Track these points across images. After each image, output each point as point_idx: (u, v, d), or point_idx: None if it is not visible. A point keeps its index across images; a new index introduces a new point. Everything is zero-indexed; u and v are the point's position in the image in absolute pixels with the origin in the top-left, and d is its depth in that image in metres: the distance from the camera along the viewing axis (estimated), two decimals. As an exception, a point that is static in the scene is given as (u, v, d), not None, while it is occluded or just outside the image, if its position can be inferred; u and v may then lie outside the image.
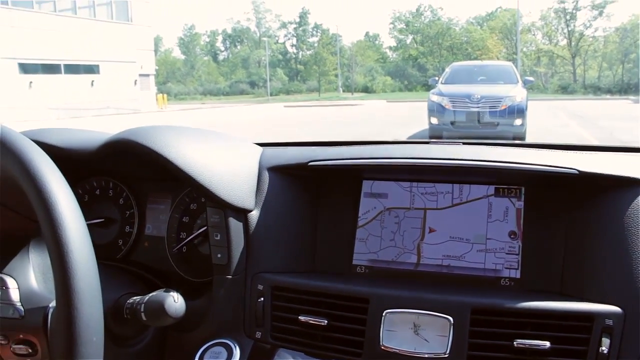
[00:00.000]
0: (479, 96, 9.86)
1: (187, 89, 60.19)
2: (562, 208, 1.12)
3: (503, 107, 9.69)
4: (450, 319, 1.01)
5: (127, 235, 1.41)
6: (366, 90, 54.82)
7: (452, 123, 9.98)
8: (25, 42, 24.48)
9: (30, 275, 0.99)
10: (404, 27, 64.56)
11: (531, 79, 13.26)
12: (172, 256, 1.34)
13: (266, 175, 1.25)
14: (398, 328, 1.03)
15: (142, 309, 0.95)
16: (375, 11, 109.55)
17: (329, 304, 1.10)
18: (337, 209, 1.26)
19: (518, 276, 1.11)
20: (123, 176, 1.44)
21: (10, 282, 0.96)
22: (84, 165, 1.39)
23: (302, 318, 1.10)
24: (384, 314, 1.04)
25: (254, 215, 1.20)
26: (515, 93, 10.05)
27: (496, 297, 1.02)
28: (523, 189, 1.15)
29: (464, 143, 1.31)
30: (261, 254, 1.19)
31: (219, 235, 1.17)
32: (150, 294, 0.96)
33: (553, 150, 1.19)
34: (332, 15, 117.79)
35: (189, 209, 1.36)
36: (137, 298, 0.99)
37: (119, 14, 30.30)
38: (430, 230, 1.17)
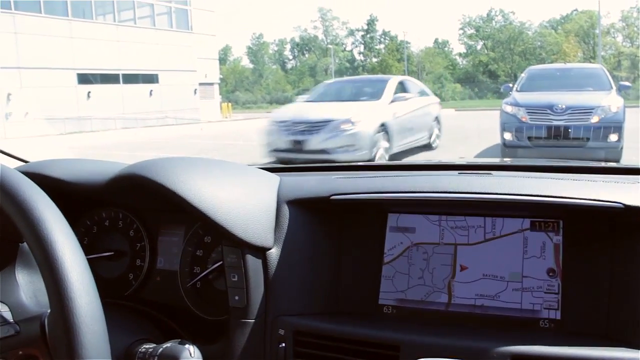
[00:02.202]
0: (563, 106, 8.00)
1: (255, 98, 60.85)
2: (606, 242, 1.06)
3: (595, 120, 7.88)
4: None
5: (138, 269, 1.35)
6: (435, 98, 53.17)
7: (530, 139, 8.19)
8: (84, 52, 24.61)
9: (21, 296, 0.96)
10: (474, 32, 63.82)
11: (628, 84, 10.37)
12: (185, 292, 1.29)
13: (285, 210, 1.20)
14: None
15: None
16: (445, 17, 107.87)
17: (357, 351, 1.05)
18: (361, 244, 1.21)
19: (558, 317, 1.05)
20: (133, 207, 1.39)
21: (1, 306, 0.92)
22: (93, 197, 1.36)
23: None
24: None
25: (274, 253, 1.16)
26: (610, 102, 8.06)
27: (537, 343, 0.96)
28: (561, 222, 1.09)
29: (494, 169, 1.29)
30: (282, 295, 1.14)
31: (236, 276, 1.13)
32: (165, 345, 0.93)
33: (594, 176, 1.18)
34: (400, 22, 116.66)
35: (202, 241, 1.30)
36: (150, 348, 0.96)
37: (180, 23, 30.37)
38: (462, 268, 1.12)
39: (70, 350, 0.71)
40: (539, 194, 1.07)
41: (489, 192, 1.10)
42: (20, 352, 0.88)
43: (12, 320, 0.91)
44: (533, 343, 0.96)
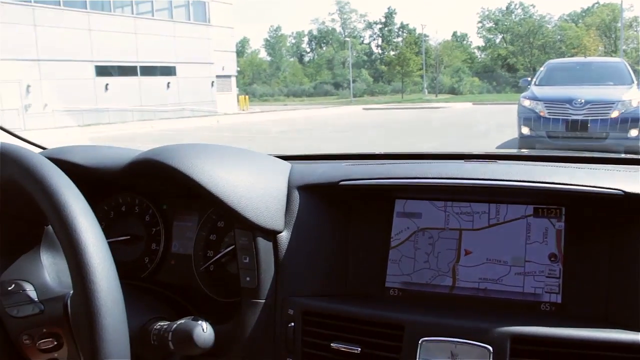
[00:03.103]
0: (582, 101, 7.90)
1: (272, 90, 60.99)
2: (606, 229, 1.08)
3: (615, 115, 7.73)
4: (490, 348, 0.97)
5: (154, 253, 1.39)
6: (453, 91, 53.06)
7: (548, 134, 8.09)
8: (102, 44, 24.69)
9: (45, 277, 0.99)
10: (493, 25, 63.31)
11: None
12: (199, 275, 1.32)
13: (296, 195, 1.23)
14: (435, 357, 1.01)
15: (169, 337, 0.96)
16: (464, 10, 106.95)
17: (363, 330, 1.07)
18: (369, 229, 1.24)
19: (559, 301, 1.08)
20: (149, 193, 1.42)
21: (26, 285, 0.96)
22: (110, 183, 1.38)
23: (334, 345, 1.08)
24: (420, 342, 1.02)
25: (284, 236, 1.18)
26: (631, 96, 7.98)
27: (537, 325, 0.98)
28: (563, 209, 1.11)
29: (499, 157, 1.30)
30: (291, 277, 1.17)
31: (247, 258, 1.16)
32: (179, 322, 0.96)
33: (596, 165, 1.21)
34: (418, 15, 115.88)
35: (216, 226, 1.34)
36: (164, 324, 0.99)
37: (197, 15, 30.35)
38: (466, 252, 1.15)
39: (92, 331, 0.75)
40: (542, 180, 1.09)
41: (493, 178, 1.13)
42: (44, 330, 0.91)
43: (36, 300, 0.94)
44: (534, 325, 0.99)
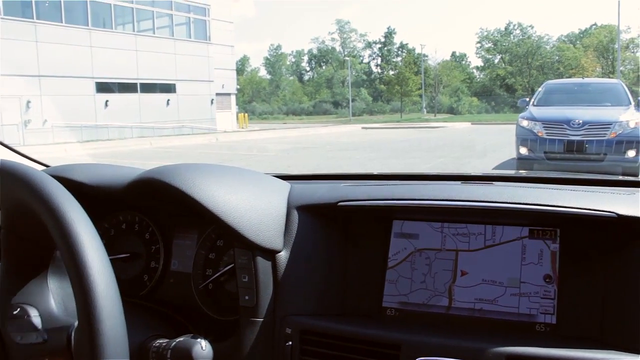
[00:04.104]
0: (580, 121, 7.93)
1: (271, 109, 60.94)
2: (601, 251, 1.09)
3: (612, 135, 7.75)
4: None
5: (153, 271, 1.39)
6: (451, 111, 53.14)
7: (546, 155, 8.11)
8: (103, 61, 24.75)
9: (50, 302, 0.98)
10: (492, 46, 63.41)
11: None
12: (197, 293, 1.33)
13: (295, 215, 1.24)
14: None
15: (168, 355, 0.96)
16: (462, 31, 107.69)
17: (359, 349, 1.08)
18: (366, 249, 1.25)
19: (554, 322, 1.09)
20: (149, 211, 1.43)
21: (32, 311, 0.95)
22: (110, 200, 1.39)
23: None
24: None
25: (283, 256, 1.20)
26: (628, 117, 8.00)
27: (532, 345, 0.99)
28: (558, 230, 1.12)
29: (496, 179, 1.32)
30: (290, 296, 1.18)
31: (246, 277, 1.17)
32: (178, 340, 0.97)
33: (591, 187, 1.22)
34: (418, 35, 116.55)
35: (215, 245, 1.35)
36: (163, 342, 1.00)
37: (198, 33, 30.46)
38: (462, 273, 1.16)
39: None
40: (537, 202, 1.10)
41: (490, 200, 1.14)
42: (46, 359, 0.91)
43: (40, 328, 0.94)
44: (528, 345, 1.00)
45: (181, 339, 0.97)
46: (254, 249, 1.17)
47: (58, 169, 1.43)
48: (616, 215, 1.05)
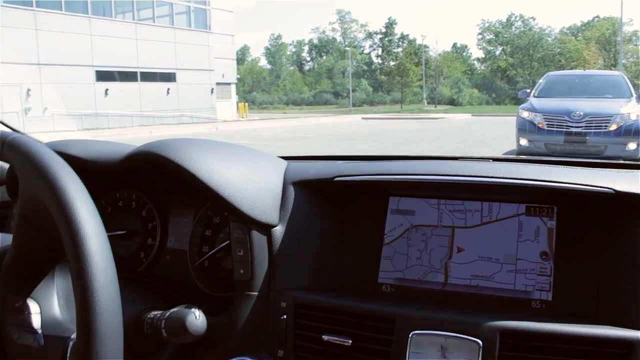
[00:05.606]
0: (581, 113, 7.94)
1: (272, 98, 60.95)
2: (597, 228, 1.09)
3: (613, 128, 7.75)
4: (479, 342, 0.98)
5: (149, 248, 1.40)
6: (452, 102, 53.09)
7: (546, 146, 8.12)
8: (103, 50, 24.73)
9: (54, 301, 0.98)
10: (493, 37, 63.34)
11: None
12: (194, 270, 1.33)
13: (291, 190, 1.24)
14: (425, 350, 1.02)
15: (162, 325, 0.96)
16: (464, 22, 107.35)
17: (354, 323, 1.09)
18: (362, 226, 1.25)
19: (550, 298, 1.08)
20: (146, 188, 1.44)
21: (33, 307, 0.95)
22: (107, 177, 1.39)
23: (325, 337, 1.09)
24: (410, 336, 1.03)
25: (278, 230, 1.19)
26: (629, 110, 8.02)
27: (527, 320, 1.00)
28: (555, 208, 1.12)
29: (493, 160, 1.31)
30: (284, 271, 1.18)
31: (241, 251, 1.17)
32: (172, 310, 0.97)
33: (588, 168, 1.20)
34: (419, 26, 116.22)
35: (211, 222, 1.35)
36: (157, 313, 1.00)
37: (198, 22, 30.45)
38: (459, 250, 1.16)
39: None
40: (533, 178, 1.10)
41: (486, 175, 1.13)
42: None
43: (38, 328, 0.94)
44: (524, 321, 1.00)
45: (175, 309, 0.96)
46: (249, 223, 1.16)
47: (55, 144, 1.42)
48: (613, 192, 1.04)
